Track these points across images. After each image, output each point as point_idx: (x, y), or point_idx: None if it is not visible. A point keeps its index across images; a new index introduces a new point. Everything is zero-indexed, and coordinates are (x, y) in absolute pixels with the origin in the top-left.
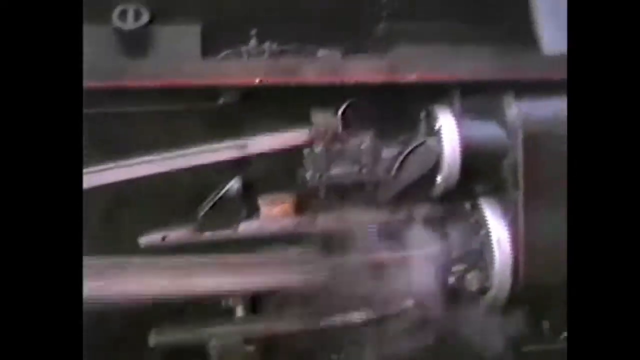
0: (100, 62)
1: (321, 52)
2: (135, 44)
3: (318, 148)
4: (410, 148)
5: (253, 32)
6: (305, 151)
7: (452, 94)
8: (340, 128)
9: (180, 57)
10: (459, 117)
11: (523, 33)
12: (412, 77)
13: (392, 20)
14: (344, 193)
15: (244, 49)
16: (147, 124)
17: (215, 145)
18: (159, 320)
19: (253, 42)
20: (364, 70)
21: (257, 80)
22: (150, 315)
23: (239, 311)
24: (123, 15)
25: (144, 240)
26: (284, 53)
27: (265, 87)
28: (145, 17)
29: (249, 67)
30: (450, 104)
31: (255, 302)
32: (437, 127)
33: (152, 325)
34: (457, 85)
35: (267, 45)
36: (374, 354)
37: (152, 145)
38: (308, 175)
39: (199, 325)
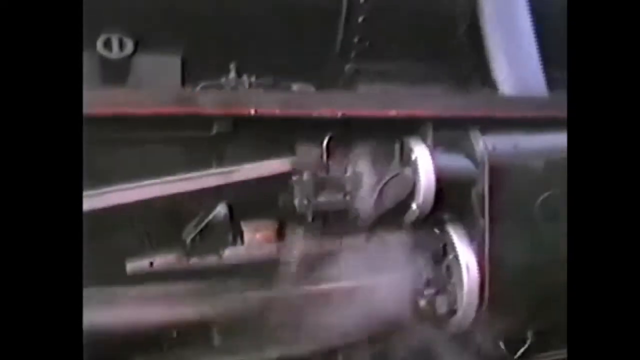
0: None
1: (295, 86)
2: (118, 72)
3: (305, 176)
4: (388, 178)
5: (232, 65)
6: (294, 179)
7: (424, 128)
8: (324, 158)
9: (160, 86)
10: (432, 149)
11: (478, 73)
12: (392, 112)
13: (359, 60)
14: (326, 219)
15: (223, 80)
16: (138, 150)
17: (203, 172)
18: (137, 347)
19: (232, 74)
20: (339, 105)
21: (252, 111)
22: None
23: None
24: (108, 43)
25: (131, 266)
26: (261, 86)
27: (257, 117)
28: (129, 47)
29: (243, 98)
30: (423, 137)
31: None
32: (412, 158)
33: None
34: (429, 120)
35: (244, 78)
36: None
37: (141, 172)
38: (296, 201)
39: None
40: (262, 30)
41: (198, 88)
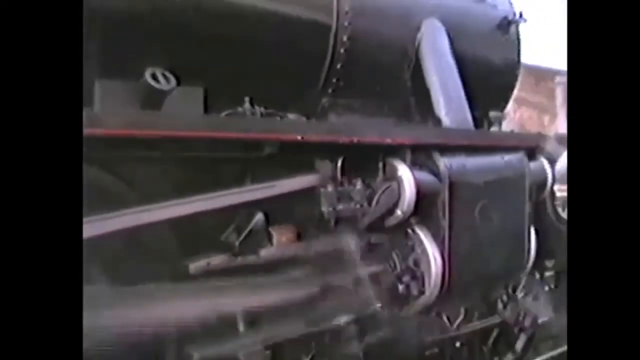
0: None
1: (292, 116)
2: (156, 100)
3: (329, 189)
4: (381, 190)
5: (246, 98)
6: (322, 190)
7: (403, 151)
8: (339, 175)
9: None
10: (410, 168)
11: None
12: (388, 140)
13: (334, 95)
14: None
15: (240, 109)
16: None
17: (248, 187)
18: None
19: (247, 104)
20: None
21: (299, 137)
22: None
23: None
24: (154, 76)
25: (193, 267)
26: (269, 115)
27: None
28: (173, 81)
29: (288, 126)
30: (402, 158)
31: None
32: (398, 175)
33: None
34: (408, 146)
35: (257, 108)
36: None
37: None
38: (324, 209)
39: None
40: (266, 71)
41: (223, 115)
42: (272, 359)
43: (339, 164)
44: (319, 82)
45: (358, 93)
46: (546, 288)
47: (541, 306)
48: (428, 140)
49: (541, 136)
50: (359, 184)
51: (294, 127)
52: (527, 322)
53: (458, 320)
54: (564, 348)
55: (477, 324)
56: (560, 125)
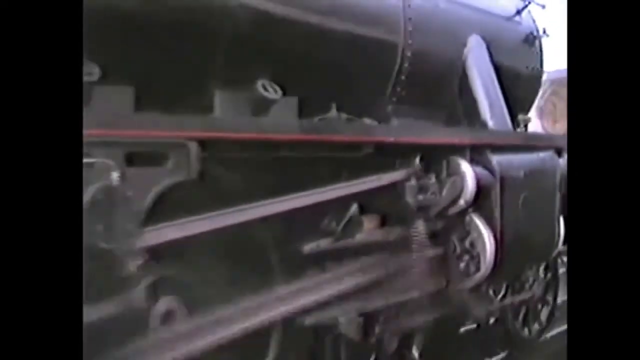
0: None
1: (367, 121)
2: (266, 107)
3: (413, 182)
4: (449, 183)
5: (333, 104)
6: (406, 184)
7: (463, 151)
8: (421, 170)
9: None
10: (470, 165)
11: (471, 114)
12: (455, 140)
13: (397, 103)
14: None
15: (328, 115)
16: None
17: (344, 183)
18: None
19: (334, 111)
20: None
21: (391, 139)
22: None
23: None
24: (264, 87)
25: (307, 248)
26: (351, 120)
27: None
28: (279, 91)
29: (385, 130)
30: (462, 157)
31: None
32: (461, 170)
33: None
34: (468, 145)
35: (340, 114)
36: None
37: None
38: (409, 199)
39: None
40: (348, 83)
41: (316, 120)
42: (364, 325)
43: (417, 161)
44: (387, 91)
45: (416, 101)
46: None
47: (561, 284)
48: (484, 141)
49: (560, 136)
50: (433, 178)
51: (389, 131)
52: (550, 298)
53: (500, 295)
54: None
55: (514, 298)
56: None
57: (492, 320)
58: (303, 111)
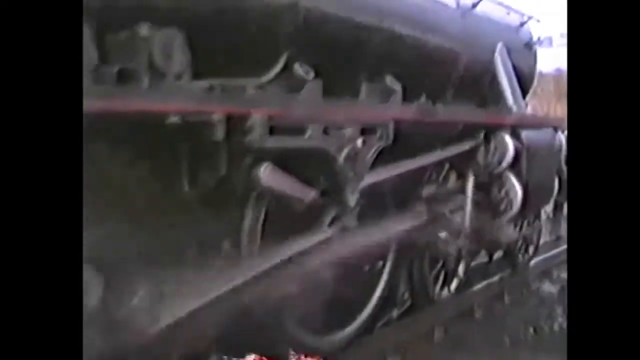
0: None
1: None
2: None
3: (482, 149)
4: (499, 152)
5: (423, 94)
6: (480, 149)
7: (507, 128)
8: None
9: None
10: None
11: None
12: (501, 120)
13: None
14: None
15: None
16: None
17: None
18: None
19: (423, 98)
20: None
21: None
22: None
23: None
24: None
25: (424, 192)
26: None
27: None
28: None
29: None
30: (505, 133)
31: None
32: (505, 142)
33: None
34: (509, 124)
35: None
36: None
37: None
38: (480, 161)
39: None
40: (431, 79)
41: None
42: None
43: (482, 135)
44: (448, 87)
45: (464, 95)
46: (545, 216)
47: (544, 229)
48: (518, 122)
49: (561, 119)
50: (493, 147)
51: (475, 114)
52: (535, 238)
53: (518, 226)
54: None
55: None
56: None
57: (501, 253)
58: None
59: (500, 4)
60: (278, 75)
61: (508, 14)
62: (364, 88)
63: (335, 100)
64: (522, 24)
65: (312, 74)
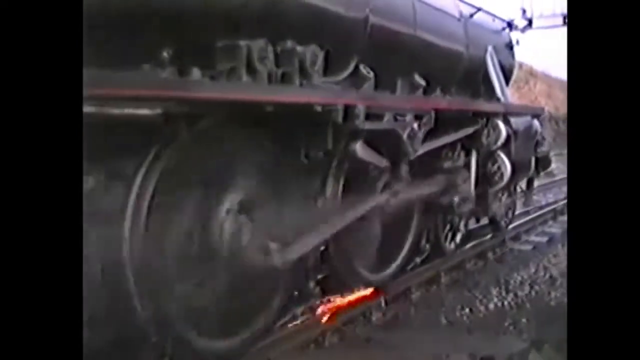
0: None
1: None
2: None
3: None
4: (494, 134)
5: (438, 88)
6: (484, 132)
7: (500, 115)
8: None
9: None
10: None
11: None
12: (499, 108)
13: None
14: None
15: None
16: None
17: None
18: None
19: (438, 91)
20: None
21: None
22: None
23: None
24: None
25: (445, 164)
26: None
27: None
28: (372, 73)
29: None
30: (499, 119)
31: None
32: (499, 126)
33: None
34: (502, 112)
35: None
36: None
37: None
38: (484, 141)
39: None
40: (443, 75)
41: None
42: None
43: (485, 120)
44: (454, 81)
45: (463, 88)
46: (520, 190)
47: (518, 201)
48: (508, 110)
49: (539, 107)
50: (491, 130)
51: (480, 104)
52: (513, 208)
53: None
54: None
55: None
56: None
57: (488, 219)
58: (426, 91)
59: (487, 12)
60: (350, 75)
61: (493, 20)
62: (399, 83)
63: (400, 95)
64: (503, 29)
65: (372, 74)
